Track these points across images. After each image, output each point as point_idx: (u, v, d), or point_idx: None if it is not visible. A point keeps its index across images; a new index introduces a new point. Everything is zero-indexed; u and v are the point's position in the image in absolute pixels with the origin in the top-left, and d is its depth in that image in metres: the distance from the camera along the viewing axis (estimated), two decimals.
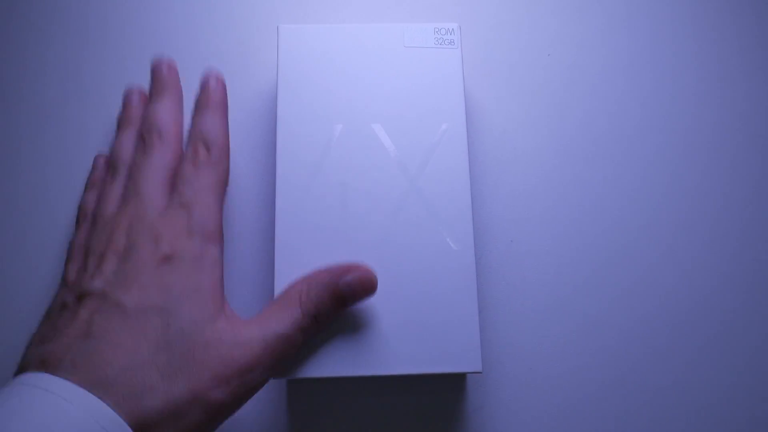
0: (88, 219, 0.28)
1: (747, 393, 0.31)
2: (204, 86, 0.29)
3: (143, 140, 0.28)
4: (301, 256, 0.26)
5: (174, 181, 0.27)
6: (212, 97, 0.28)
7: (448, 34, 0.29)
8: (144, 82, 0.35)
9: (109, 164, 0.29)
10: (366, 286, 0.25)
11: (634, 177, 0.33)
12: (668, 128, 0.34)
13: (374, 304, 0.26)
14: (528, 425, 0.30)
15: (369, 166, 0.27)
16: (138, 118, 0.30)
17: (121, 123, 0.30)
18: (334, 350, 0.25)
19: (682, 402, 0.30)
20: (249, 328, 0.24)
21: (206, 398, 0.22)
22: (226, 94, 0.29)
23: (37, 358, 0.22)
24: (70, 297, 0.24)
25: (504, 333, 0.31)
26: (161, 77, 0.30)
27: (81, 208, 0.29)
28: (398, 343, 0.25)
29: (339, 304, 0.25)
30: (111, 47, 0.36)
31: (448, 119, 0.28)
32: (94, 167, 0.31)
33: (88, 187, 0.30)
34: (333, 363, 0.25)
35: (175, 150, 0.28)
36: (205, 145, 0.27)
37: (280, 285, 0.26)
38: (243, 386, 0.23)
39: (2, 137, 0.35)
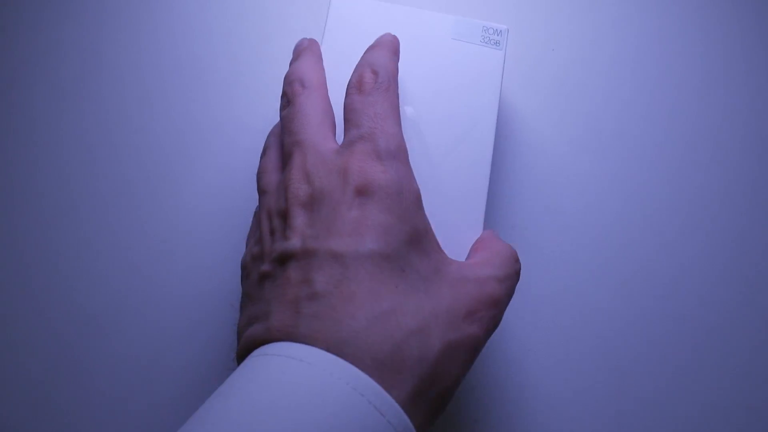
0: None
1: (744, 384, 0.31)
2: (378, 39, 0.27)
3: (286, 96, 0.26)
4: None
5: (333, 122, 0.25)
6: (383, 40, 0.27)
7: (496, 34, 0.29)
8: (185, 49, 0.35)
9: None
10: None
11: (638, 170, 0.34)
12: (672, 123, 0.35)
13: None
14: (525, 410, 0.31)
15: None
16: None
17: None
18: None
19: (680, 391, 0.31)
20: (483, 268, 0.23)
21: (466, 336, 0.21)
22: (398, 46, 0.27)
23: (261, 334, 0.20)
24: (268, 266, 0.21)
25: (503, 317, 0.32)
26: (300, 44, 0.28)
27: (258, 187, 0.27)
28: None
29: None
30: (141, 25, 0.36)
31: (479, 118, 0.28)
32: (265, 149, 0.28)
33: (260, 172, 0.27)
34: None
35: (322, 94, 0.25)
36: (372, 70, 0.25)
37: None
38: (492, 320, 0.22)
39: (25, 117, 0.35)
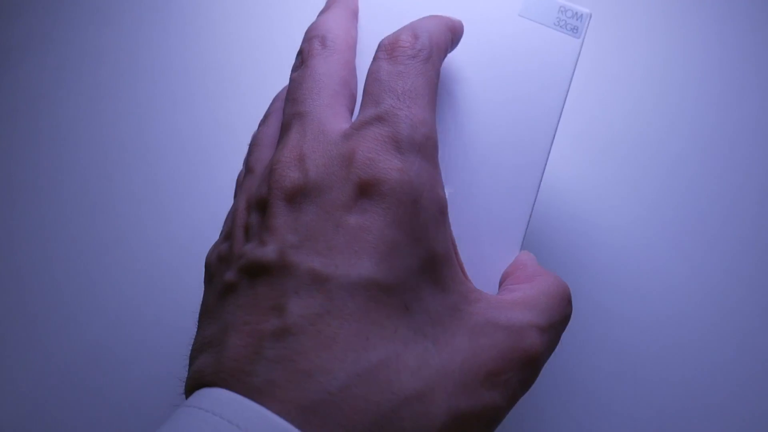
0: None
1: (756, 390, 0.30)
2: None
3: (301, 55, 0.20)
4: None
5: (353, 95, 0.20)
6: (443, 16, 0.21)
7: (574, 18, 0.24)
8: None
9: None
10: None
11: (653, 178, 0.33)
12: (690, 133, 0.33)
13: None
14: (537, 413, 0.29)
15: None
16: None
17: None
18: None
19: (688, 397, 0.30)
20: (521, 310, 0.17)
21: (482, 405, 0.16)
22: (461, 29, 0.22)
23: (209, 373, 0.15)
24: (233, 275, 0.16)
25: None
26: None
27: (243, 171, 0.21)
28: None
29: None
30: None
31: (537, 116, 0.23)
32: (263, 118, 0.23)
33: (252, 143, 0.22)
34: None
35: (345, 58, 0.20)
36: (413, 32, 0.19)
37: None
38: (521, 385, 0.17)
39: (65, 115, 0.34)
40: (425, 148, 0.17)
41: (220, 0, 0.36)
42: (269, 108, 0.22)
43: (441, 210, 0.17)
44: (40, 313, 0.30)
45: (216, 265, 0.18)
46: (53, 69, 0.34)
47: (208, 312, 0.17)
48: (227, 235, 0.19)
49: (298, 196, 0.17)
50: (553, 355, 0.29)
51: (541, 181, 0.22)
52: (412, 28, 0.19)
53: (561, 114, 0.23)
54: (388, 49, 0.19)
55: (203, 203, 0.32)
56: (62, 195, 0.32)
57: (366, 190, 0.16)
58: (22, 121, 0.33)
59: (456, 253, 0.18)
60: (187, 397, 0.16)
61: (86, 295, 0.30)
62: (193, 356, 0.17)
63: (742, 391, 0.29)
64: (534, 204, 0.22)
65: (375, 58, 0.19)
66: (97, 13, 0.35)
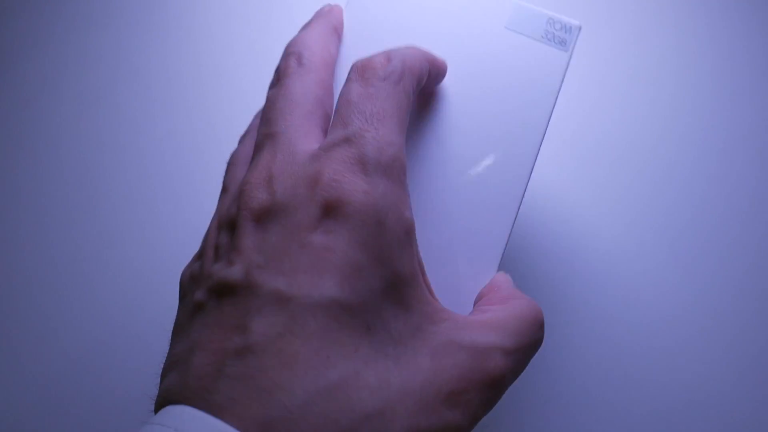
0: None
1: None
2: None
3: (278, 72, 0.20)
4: None
5: (328, 114, 0.20)
6: (425, 50, 0.21)
7: (563, 31, 0.23)
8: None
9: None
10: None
11: (639, 192, 0.32)
12: (678, 145, 0.33)
13: None
14: (532, 416, 0.29)
15: (408, 148, 0.22)
16: None
17: None
18: None
19: (678, 401, 0.29)
20: (486, 332, 0.17)
21: (443, 424, 0.16)
22: (444, 69, 0.22)
23: (175, 392, 0.15)
24: (202, 295, 0.17)
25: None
26: (320, 11, 0.23)
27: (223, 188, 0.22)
28: None
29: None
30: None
31: (519, 134, 0.22)
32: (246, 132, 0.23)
33: (230, 162, 0.22)
34: None
35: (321, 77, 0.20)
36: (386, 56, 0.19)
37: None
38: (483, 405, 0.17)
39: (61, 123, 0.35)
40: (392, 169, 0.17)
41: (215, 4, 0.36)
42: (249, 125, 0.22)
43: (407, 231, 0.17)
44: (29, 317, 0.30)
45: (188, 283, 0.19)
46: (47, 72, 0.34)
47: (179, 330, 0.18)
48: (200, 254, 0.19)
49: (266, 216, 0.17)
50: (543, 360, 0.29)
51: (521, 200, 0.22)
52: (387, 52, 0.19)
53: (545, 131, 0.22)
54: (359, 70, 0.19)
55: (198, 210, 0.32)
56: (56, 199, 0.32)
57: (331, 211, 0.16)
58: (17, 125, 0.34)
59: (423, 273, 0.18)
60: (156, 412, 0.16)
61: (78, 299, 0.31)
62: (163, 375, 0.17)
63: (734, 393, 0.29)
64: (513, 224, 0.22)
65: (347, 80, 0.19)
66: (92, 17, 0.35)
